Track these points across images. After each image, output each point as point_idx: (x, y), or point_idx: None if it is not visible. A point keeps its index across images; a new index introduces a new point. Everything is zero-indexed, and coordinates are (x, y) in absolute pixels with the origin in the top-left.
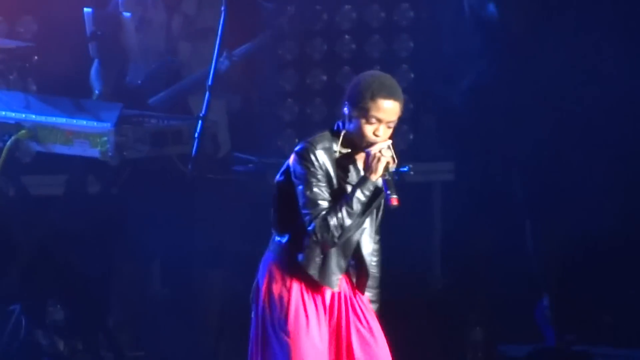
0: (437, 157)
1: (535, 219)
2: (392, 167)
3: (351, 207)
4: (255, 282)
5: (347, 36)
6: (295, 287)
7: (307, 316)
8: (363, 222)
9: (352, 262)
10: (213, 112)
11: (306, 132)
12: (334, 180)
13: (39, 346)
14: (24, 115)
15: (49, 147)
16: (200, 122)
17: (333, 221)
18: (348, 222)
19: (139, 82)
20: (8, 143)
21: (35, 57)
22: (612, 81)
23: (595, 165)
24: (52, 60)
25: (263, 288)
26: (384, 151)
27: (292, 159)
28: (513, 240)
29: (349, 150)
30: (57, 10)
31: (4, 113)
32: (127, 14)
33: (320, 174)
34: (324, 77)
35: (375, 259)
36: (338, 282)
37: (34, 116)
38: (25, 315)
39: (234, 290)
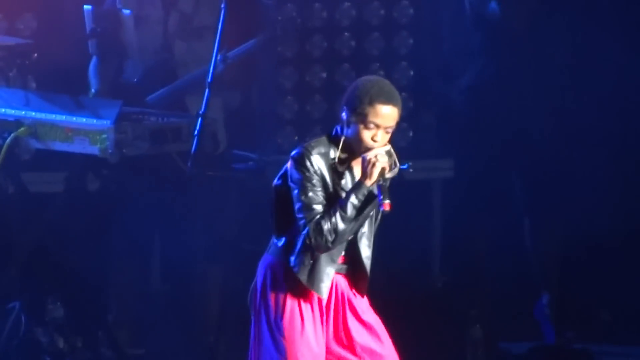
0: (437, 154)
1: (535, 216)
2: (388, 173)
3: (345, 212)
4: (253, 283)
5: (346, 33)
6: (291, 289)
7: (302, 318)
8: (360, 227)
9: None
10: (210, 110)
11: (306, 129)
12: (330, 185)
13: (39, 344)
14: (23, 113)
15: (49, 144)
16: (199, 119)
17: (327, 226)
18: (342, 226)
19: (135, 79)
20: (7, 140)
21: (35, 55)
22: (613, 79)
23: (594, 163)
24: (52, 58)
25: (260, 289)
26: (379, 156)
27: (289, 163)
28: (512, 237)
29: (346, 155)
30: (57, 8)
31: (3, 110)
32: (126, 11)
33: (315, 179)
34: (324, 75)
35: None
36: (327, 290)
37: (33, 113)
38: (25, 313)
39: (234, 287)
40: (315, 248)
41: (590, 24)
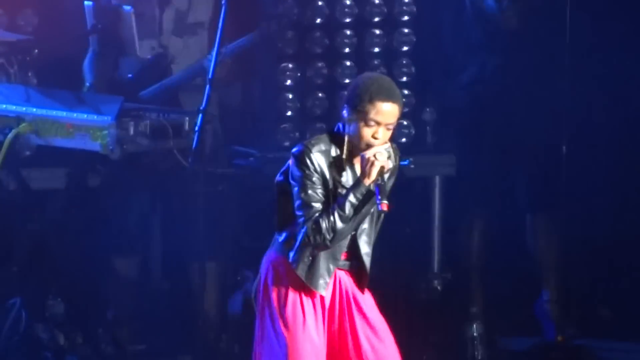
0: (438, 150)
1: (536, 213)
2: (387, 172)
3: (344, 211)
4: (257, 279)
5: (347, 30)
6: (294, 285)
7: (304, 313)
8: (359, 225)
9: (353, 262)
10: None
11: (306, 126)
12: (330, 183)
13: (39, 340)
14: (24, 109)
15: (50, 141)
16: (200, 115)
17: (325, 224)
18: (340, 225)
19: (130, 75)
20: (9, 136)
21: (36, 51)
22: (613, 74)
23: (595, 158)
24: (53, 54)
25: (263, 284)
26: (378, 155)
27: (290, 161)
28: (513, 234)
29: (347, 153)
30: (58, 4)
31: (4, 106)
32: (127, 7)
33: (315, 177)
34: (325, 71)
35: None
36: (325, 286)
37: (34, 109)
38: (26, 309)
39: (235, 283)
40: (313, 246)
41: (590, 19)
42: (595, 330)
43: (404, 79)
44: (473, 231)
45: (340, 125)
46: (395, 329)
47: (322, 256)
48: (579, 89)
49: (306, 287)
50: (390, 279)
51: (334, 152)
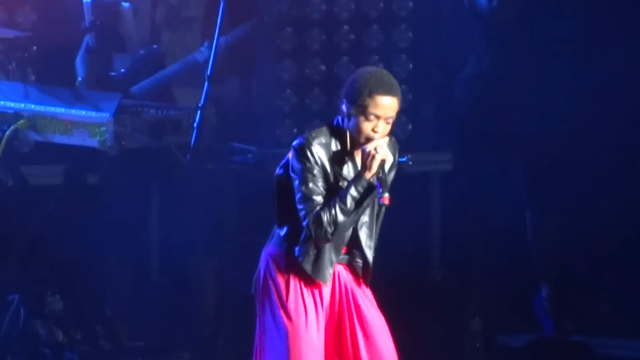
0: (436, 147)
1: (535, 209)
2: (388, 164)
3: (345, 204)
4: (256, 273)
5: (345, 26)
6: (294, 278)
7: (305, 306)
8: (360, 218)
9: (355, 255)
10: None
11: (305, 122)
12: (331, 176)
13: (38, 336)
14: (23, 105)
15: (48, 137)
16: (199, 112)
17: (326, 217)
18: (341, 218)
19: (123, 70)
20: (7, 133)
21: (34, 47)
22: (613, 69)
23: (594, 155)
24: (51, 50)
25: (263, 278)
26: (379, 149)
27: (290, 153)
28: (511, 230)
29: (348, 147)
30: (56, 0)
31: (3, 103)
32: (125, 4)
33: (316, 170)
34: (323, 67)
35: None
36: (330, 277)
37: (33, 106)
38: (24, 305)
39: (233, 279)
40: (315, 239)
41: (589, 13)
42: (594, 326)
43: (402, 75)
44: (471, 227)
45: (339, 119)
46: (394, 325)
47: (327, 248)
48: (578, 85)
49: (307, 281)
50: (389, 275)
51: (334, 145)
